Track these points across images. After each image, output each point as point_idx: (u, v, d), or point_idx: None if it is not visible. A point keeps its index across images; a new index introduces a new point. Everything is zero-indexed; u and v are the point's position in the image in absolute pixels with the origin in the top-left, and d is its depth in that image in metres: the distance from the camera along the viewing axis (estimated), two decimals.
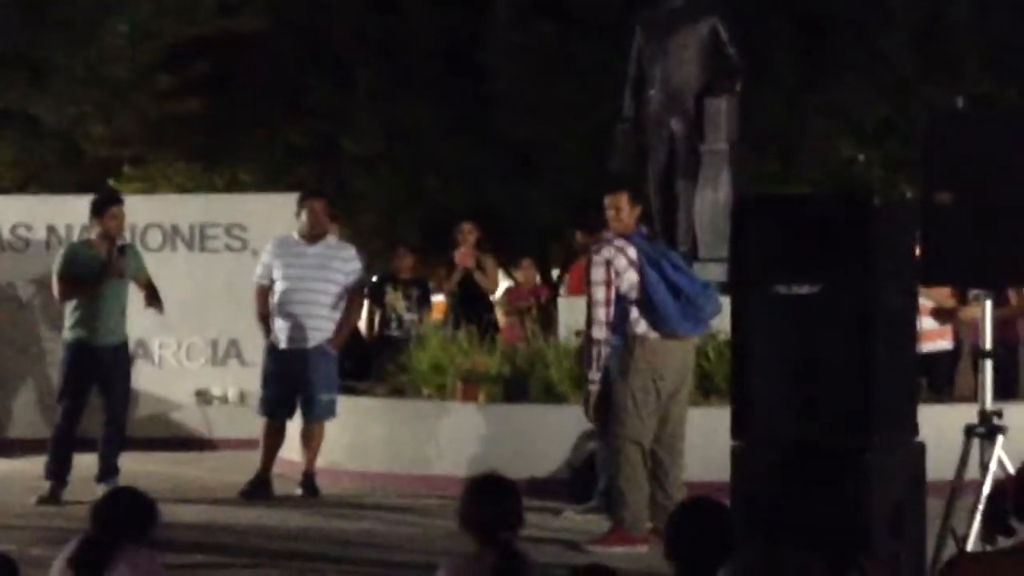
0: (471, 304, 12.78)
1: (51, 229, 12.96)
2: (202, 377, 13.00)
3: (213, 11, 16.80)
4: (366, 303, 14.54)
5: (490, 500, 5.03)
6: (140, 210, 12.72)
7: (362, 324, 14.68)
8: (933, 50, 16.64)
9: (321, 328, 10.16)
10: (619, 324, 8.44)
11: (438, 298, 13.97)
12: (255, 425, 10.60)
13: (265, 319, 10.29)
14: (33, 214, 13.19)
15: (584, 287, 8.75)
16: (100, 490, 9.69)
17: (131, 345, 10.60)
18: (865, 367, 6.19)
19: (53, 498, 9.91)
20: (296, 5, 18.27)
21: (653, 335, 8.45)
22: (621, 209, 8.68)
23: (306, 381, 10.16)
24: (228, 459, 11.86)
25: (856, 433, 6.18)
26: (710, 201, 11.44)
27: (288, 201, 12.69)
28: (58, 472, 10.03)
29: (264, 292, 10.32)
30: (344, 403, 10.72)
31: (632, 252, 8.44)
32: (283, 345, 10.18)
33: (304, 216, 10.35)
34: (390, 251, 15.02)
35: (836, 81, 16.72)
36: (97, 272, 10.00)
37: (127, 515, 4.94)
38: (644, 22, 11.84)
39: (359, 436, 10.96)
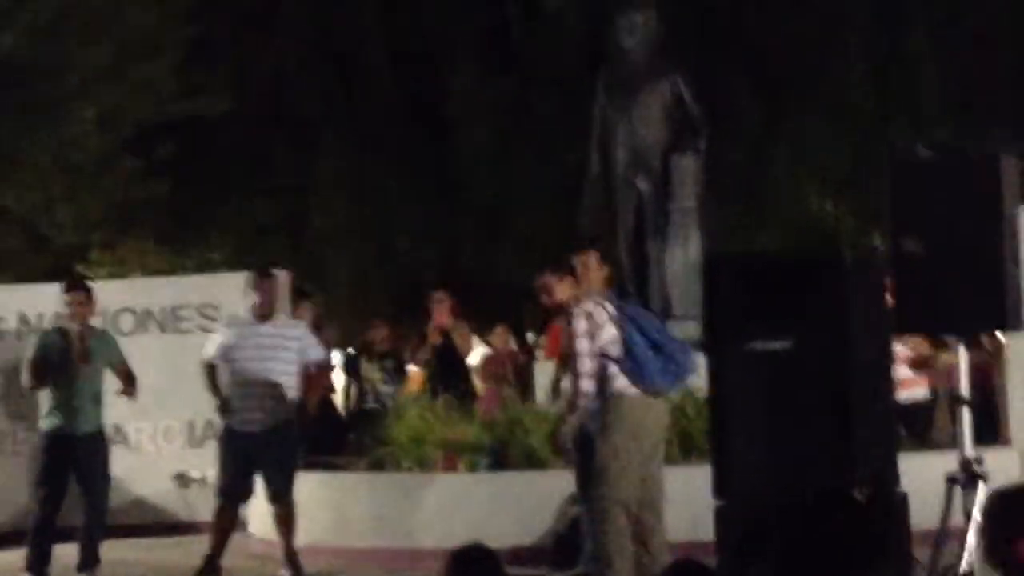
0: (447, 373, 12.75)
1: (22, 318, 12.89)
2: (180, 460, 12.89)
3: (176, 93, 16.82)
4: (343, 377, 14.50)
5: (471, 571, 4.99)
6: (111, 295, 12.65)
7: (339, 398, 14.63)
8: (893, 95, 16.78)
9: (278, 408, 9.91)
10: (597, 382, 8.41)
11: (413, 369, 13.94)
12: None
13: (219, 394, 10.03)
14: (3, 303, 13.11)
15: (563, 347, 8.69)
16: None
17: (107, 430, 10.52)
18: (843, 420, 6.19)
19: None
20: (258, 82, 18.34)
21: (631, 392, 8.38)
22: (589, 268, 8.69)
23: (265, 461, 9.93)
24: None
25: (838, 486, 6.16)
26: (681, 259, 11.47)
27: None
28: (39, 563, 9.91)
29: (213, 368, 10.07)
30: (324, 479, 10.63)
31: (611, 308, 8.44)
32: (240, 426, 9.93)
33: (255, 295, 10.14)
34: (364, 324, 15.00)
35: (799, 130, 16.83)
36: (63, 359, 9.96)
37: None
38: (605, 81, 11.90)
39: (340, 512, 10.89)
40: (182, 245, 18.87)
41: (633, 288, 11.69)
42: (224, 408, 10.02)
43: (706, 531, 6.51)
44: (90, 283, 11.25)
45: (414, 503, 10.61)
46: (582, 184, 12.04)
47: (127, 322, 13.00)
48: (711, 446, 6.68)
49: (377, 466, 11.12)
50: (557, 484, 9.66)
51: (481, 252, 17.83)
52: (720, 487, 6.45)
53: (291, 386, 9.98)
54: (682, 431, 9.98)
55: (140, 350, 11.89)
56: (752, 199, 16.99)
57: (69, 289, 10.31)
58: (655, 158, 11.58)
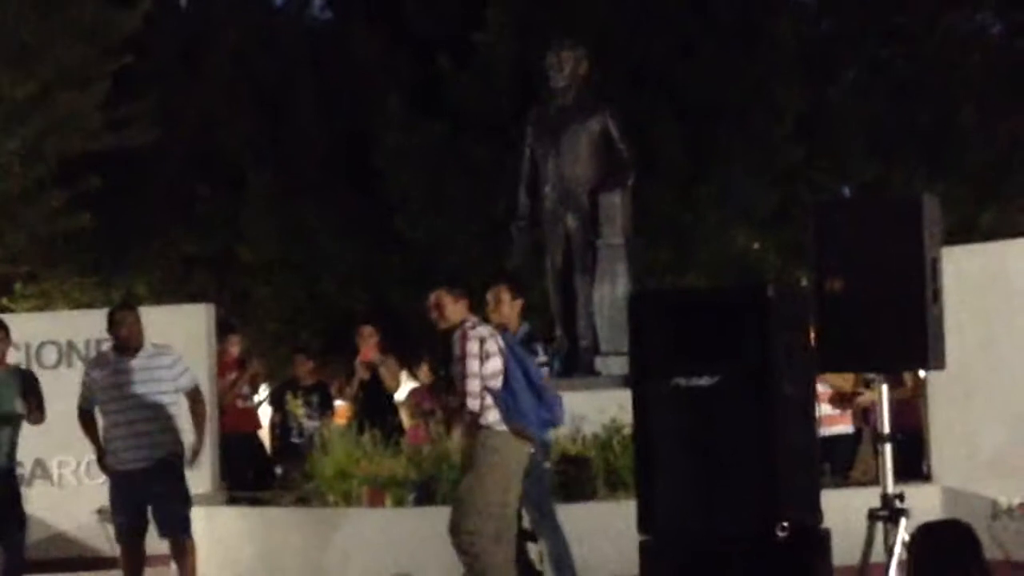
0: (374, 408, 12.73)
1: None
2: (102, 494, 12.72)
3: (102, 125, 16.69)
4: (269, 411, 14.44)
5: None
6: (34, 328, 12.56)
7: (265, 432, 14.56)
8: (818, 138, 16.97)
9: (159, 442, 9.51)
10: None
11: (340, 403, 13.91)
12: (159, 541, 10.39)
13: (97, 443, 9.68)
14: None
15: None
16: None
17: (29, 465, 10.39)
18: (767, 456, 6.24)
19: None
20: (186, 115, 18.27)
21: (501, 427, 8.34)
22: (502, 301, 8.71)
23: (154, 498, 9.51)
24: None
25: (761, 522, 6.22)
26: (608, 295, 11.52)
27: (187, 312, 12.58)
28: None
29: (87, 415, 9.73)
30: (249, 514, 10.56)
31: (501, 341, 8.44)
32: (122, 466, 9.54)
33: (118, 330, 9.67)
34: (291, 358, 14.95)
35: (726, 171, 16.96)
36: None
37: None
38: (535, 120, 11.97)
39: (266, 547, 10.82)
40: (107, 278, 18.71)
41: (561, 324, 11.76)
42: (100, 457, 9.64)
43: (631, 566, 6.53)
44: (9, 316, 11.11)
45: (340, 538, 10.57)
46: (510, 225, 12.08)
47: (50, 355, 12.91)
48: (636, 481, 6.71)
49: (303, 501, 11.08)
50: None
51: (410, 290, 17.81)
52: (645, 522, 6.48)
53: (172, 415, 9.58)
54: (608, 467, 10.01)
55: (63, 384, 11.76)
56: (679, 236, 17.09)
57: None
58: (583, 195, 11.65)
